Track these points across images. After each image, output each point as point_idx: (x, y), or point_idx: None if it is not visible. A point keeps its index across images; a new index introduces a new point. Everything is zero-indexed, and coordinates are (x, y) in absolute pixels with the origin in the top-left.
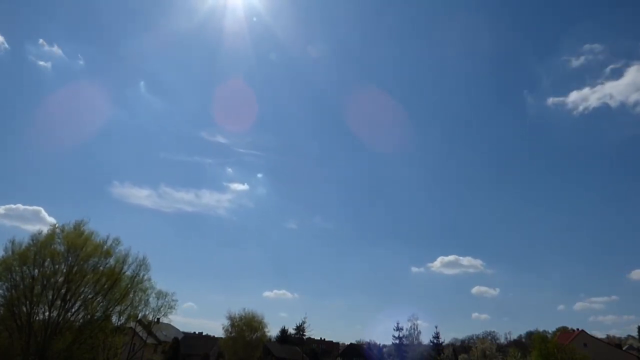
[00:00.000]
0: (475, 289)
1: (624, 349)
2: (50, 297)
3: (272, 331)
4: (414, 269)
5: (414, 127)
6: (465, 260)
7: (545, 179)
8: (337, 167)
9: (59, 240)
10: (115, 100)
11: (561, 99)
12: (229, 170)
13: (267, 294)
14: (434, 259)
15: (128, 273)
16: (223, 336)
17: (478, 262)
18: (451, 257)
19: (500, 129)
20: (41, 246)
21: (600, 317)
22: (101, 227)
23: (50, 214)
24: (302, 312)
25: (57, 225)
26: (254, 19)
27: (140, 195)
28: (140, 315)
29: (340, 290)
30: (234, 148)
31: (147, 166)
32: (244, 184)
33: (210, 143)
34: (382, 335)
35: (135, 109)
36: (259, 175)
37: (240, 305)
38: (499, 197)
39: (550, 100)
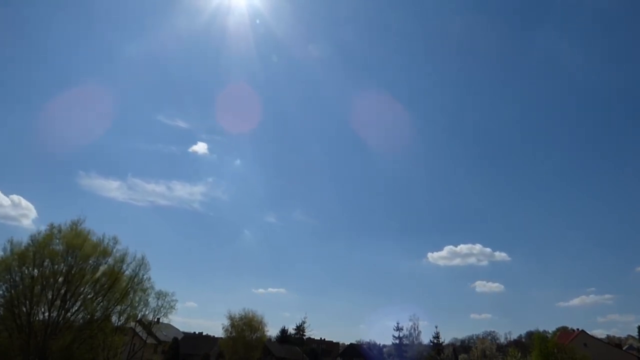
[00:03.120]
0: (476, 284)
1: (624, 348)
2: (50, 297)
3: (271, 331)
4: (413, 264)
5: (413, 124)
6: (465, 251)
7: (546, 178)
8: (326, 160)
9: (57, 240)
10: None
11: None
12: (197, 159)
13: (259, 290)
14: (433, 252)
15: (127, 273)
16: (223, 336)
17: (479, 255)
18: (445, 251)
19: (502, 123)
20: (40, 246)
21: (601, 315)
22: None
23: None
24: (295, 309)
25: (54, 225)
26: (257, 21)
27: (111, 187)
28: (140, 315)
29: (336, 287)
30: (197, 134)
31: (111, 155)
32: (215, 175)
33: (170, 128)
34: (381, 334)
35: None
36: (233, 165)
37: (230, 302)
38: (500, 189)
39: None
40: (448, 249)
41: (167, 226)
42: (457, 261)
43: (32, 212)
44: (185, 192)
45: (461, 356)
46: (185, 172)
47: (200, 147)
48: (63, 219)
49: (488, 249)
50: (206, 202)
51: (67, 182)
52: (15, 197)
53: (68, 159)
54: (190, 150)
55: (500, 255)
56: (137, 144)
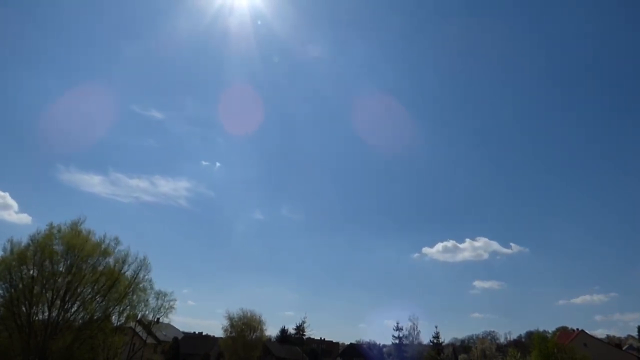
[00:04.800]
0: (476, 282)
1: (624, 348)
2: (50, 297)
3: (272, 331)
4: (413, 261)
5: (413, 123)
6: (466, 247)
7: (546, 177)
8: (325, 157)
9: (57, 241)
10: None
11: None
12: (176, 151)
13: (257, 289)
14: (433, 248)
15: (128, 273)
16: (223, 336)
17: (480, 251)
18: (446, 247)
19: (503, 122)
20: (40, 246)
21: (601, 314)
22: (61, 219)
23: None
24: (295, 308)
25: (54, 225)
26: (259, 22)
27: (93, 182)
28: (139, 315)
29: (335, 286)
30: (172, 125)
31: (89, 147)
32: (197, 169)
33: (145, 118)
34: (381, 334)
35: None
36: (213, 160)
37: (229, 301)
38: (502, 187)
39: None
40: (449, 244)
41: (157, 223)
42: (457, 258)
43: (14, 205)
44: (169, 187)
45: (461, 356)
46: (166, 167)
47: (198, 172)
48: (46, 214)
49: (492, 245)
50: (192, 199)
51: (45, 176)
52: None
53: (44, 152)
54: (186, 173)
55: (502, 252)
56: (108, 135)
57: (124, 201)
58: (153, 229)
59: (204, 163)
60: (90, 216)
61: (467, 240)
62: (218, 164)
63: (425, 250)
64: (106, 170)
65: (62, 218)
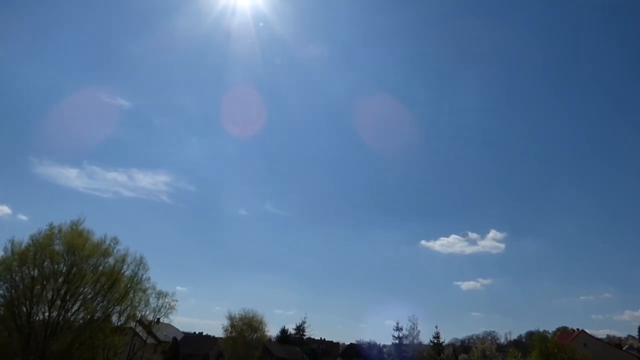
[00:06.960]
0: (478, 281)
1: (624, 349)
2: (50, 297)
3: (272, 331)
4: (413, 260)
5: (414, 123)
6: (467, 244)
7: (549, 177)
8: (324, 155)
9: (58, 241)
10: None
11: None
12: (149, 142)
13: (258, 289)
14: (430, 243)
15: (127, 273)
16: (223, 336)
17: (482, 247)
18: (443, 243)
19: (503, 122)
20: (40, 246)
21: (602, 314)
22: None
23: None
24: (295, 307)
25: (54, 225)
26: (260, 23)
27: (70, 176)
28: (140, 315)
29: (335, 284)
30: (149, 117)
31: (59, 138)
32: (175, 163)
33: (113, 107)
34: (381, 334)
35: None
36: (196, 155)
37: (228, 301)
38: (503, 185)
39: None
40: (451, 239)
41: (143, 220)
42: (457, 253)
43: None
44: (148, 181)
45: (461, 356)
46: (142, 159)
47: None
48: (29, 210)
49: (494, 243)
50: (173, 194)
51: (20, 169)
52: None
53: (17, 145)
54: (164, 166)
55: (503, 250)
56: (77, 125)
57: (104, 197)
58: (140, 226)
59: (183, 157)
60: (71, 212)
61: (468, 234)
62: (205, 160)
63: (425, 244)
64: (80, 162)
65: (45, 213)
